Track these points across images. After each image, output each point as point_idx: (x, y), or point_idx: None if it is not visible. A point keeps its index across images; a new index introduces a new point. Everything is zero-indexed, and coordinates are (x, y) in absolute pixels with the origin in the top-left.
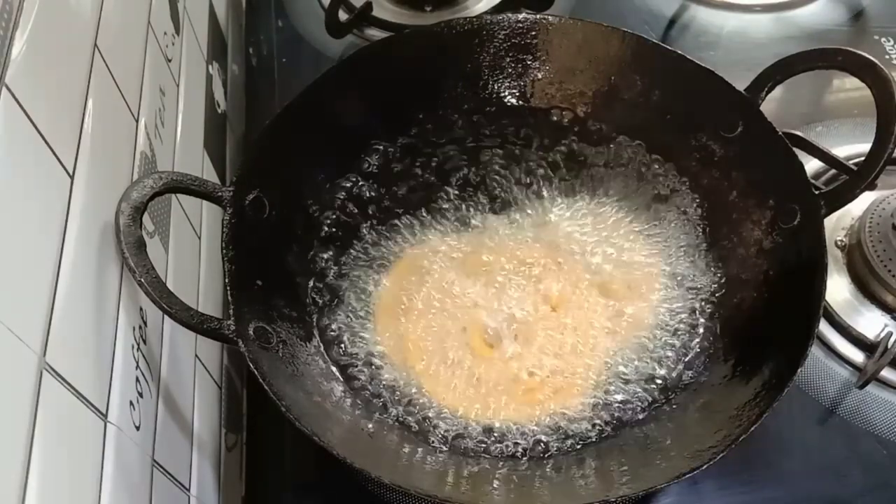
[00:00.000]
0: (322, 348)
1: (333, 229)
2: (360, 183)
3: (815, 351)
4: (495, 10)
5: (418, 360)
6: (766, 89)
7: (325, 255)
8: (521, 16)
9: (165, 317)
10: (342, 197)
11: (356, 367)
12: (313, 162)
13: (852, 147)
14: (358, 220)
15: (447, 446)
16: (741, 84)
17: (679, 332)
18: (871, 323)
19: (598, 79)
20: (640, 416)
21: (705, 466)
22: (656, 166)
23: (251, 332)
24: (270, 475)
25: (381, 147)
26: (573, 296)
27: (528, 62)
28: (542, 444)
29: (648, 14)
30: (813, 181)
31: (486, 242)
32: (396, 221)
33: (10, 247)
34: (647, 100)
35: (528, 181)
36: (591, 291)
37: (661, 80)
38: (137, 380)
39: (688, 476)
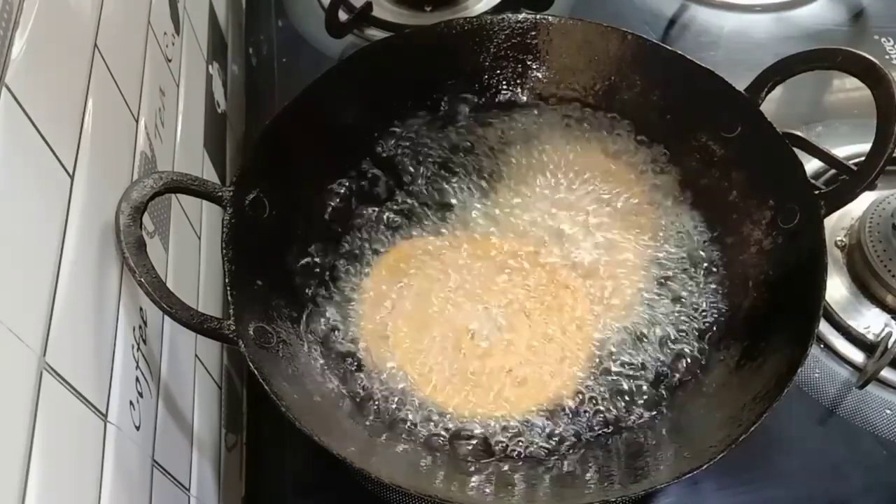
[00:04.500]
0: (321, 348)
1: (332, 228)
2: (360, 182)
3: (815, 351)
4: (495, 10)
5: (413, 360)
6: (766, 89)
7: (325, 255)
8: (521, 16)
9: (165, 317)
10: (342, 196)
11: (355, 367)
12: (313, 162)
13: (852, 147)
14: (356, 218)
15: (446, 446)
16: (741, 84)
17: (678, 333)
18: (871, 323)
19: (597, 79)
20: (640, 416)
21: (705, 466)
22: (658, 166)
23: (251, 332)
24: (270, 475)
25: (381, 146)
26: (565, 290)
27: (529, 62)
28: (539, 443)
29: (648, 14)
30: (813, 181)
31: (478, 236)
32: (392, 219)
33: (10, 247)
34: (646, 100)
35: (527, 178)
36: (584, 285)
37: (660, 80)
38: (137, 380)
39: (688, 476)
